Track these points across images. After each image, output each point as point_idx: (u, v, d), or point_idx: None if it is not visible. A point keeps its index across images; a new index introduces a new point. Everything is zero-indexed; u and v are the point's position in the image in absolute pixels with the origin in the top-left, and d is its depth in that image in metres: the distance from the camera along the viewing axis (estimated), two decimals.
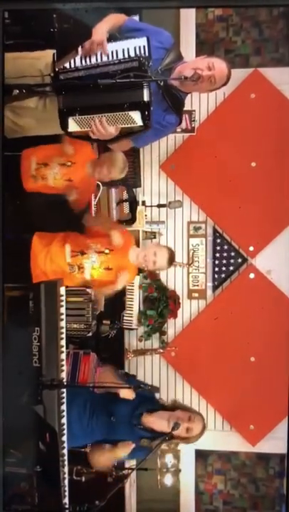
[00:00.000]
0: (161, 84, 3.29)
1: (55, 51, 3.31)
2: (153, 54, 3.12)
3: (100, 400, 3.93)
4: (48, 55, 3.45)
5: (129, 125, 3.20)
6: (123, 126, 3.21)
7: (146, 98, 3.08)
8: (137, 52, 3.09)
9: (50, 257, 3.88)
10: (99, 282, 3.96)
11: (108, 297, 4.59)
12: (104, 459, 3.92)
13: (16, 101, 3.49)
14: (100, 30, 3.18)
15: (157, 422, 3.73)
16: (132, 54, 3.10)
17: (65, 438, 3.71)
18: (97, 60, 3.17)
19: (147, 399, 3.87)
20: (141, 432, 3.77)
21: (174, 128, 3.73)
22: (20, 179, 4.00)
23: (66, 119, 3.29)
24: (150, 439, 3.71)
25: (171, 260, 3.93)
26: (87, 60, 3.19)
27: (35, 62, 3.47)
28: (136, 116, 3.13)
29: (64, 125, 3.32)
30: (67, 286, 3.85)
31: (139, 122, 3.15)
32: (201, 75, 3.23)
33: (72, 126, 3.30)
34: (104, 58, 3.16)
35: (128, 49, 3.12)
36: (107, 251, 3.83)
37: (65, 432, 3.71)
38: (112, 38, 3.26)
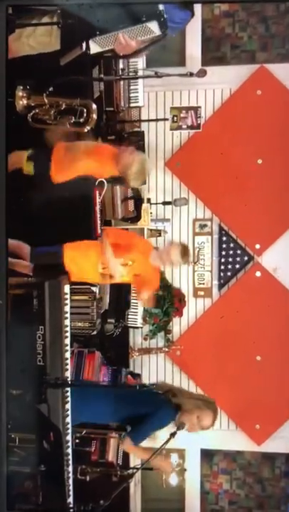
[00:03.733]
0: None
1: None
2: None
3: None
4: None
5: (148, 36, 3.24)
6: (143, 38, 3.25)
7: (161, 7, 3.13)
8: None
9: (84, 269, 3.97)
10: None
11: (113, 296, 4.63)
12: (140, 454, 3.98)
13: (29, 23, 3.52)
14: None
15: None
16: None
17: (69, 437, 3.69)
18: None
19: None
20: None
21: (188, 22, 3.75)
22: None
23: (88, 42, 3.33)
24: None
25: (185, 253, 3.98)
26: None
27: None
28: (154, 26, 3.18)
29: (87, 48, 3.35)
30: None
31: (157, 31, 3.20)
32: None
33: (94, 48, 3.35)
34: None
35: None
36: (130, 263, 3.90)
37: (69, 431, 3.69)
38: None
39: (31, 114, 3.94)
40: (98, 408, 3.90)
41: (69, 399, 3.68)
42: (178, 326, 5.54)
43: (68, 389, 3.70)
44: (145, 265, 3.98)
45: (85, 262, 3.99)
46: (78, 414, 3.80)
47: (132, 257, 3.94)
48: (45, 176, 3.90)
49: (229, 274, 5.50)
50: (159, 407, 3.80)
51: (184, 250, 3.97)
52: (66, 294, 3.74)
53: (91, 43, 3.33)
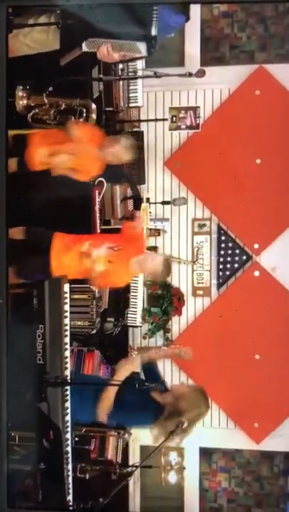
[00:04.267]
0: None
1: None
2: None
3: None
4: None
5: (133, 53, 3.26)
6: (127, 52, 3.27)
7: (154, 32, 3.14)
8: None
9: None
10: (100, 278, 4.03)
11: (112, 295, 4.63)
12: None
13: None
14: None
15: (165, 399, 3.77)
16: None
17: (69, 435, 3.70)
18: None
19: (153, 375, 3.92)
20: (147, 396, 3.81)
21: (182, 25, 3.76)
22: None
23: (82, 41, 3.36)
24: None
25: (166, 268, 3.97)
26: None
27: None
28: (142, 47, 3.20)
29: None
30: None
31: (144, 53, 3.22)
32: None
33: (84, 47, 3.37)
34: None
35: None
36: (116, 248, 3.89)
37: (69, 429, 3.71)
38: None
39: (31, 114, 3.96)
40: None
41: (69, 397, 3.70)
42: (177, 324, 5.55)
43: (68, 387, 3.71)
44: (123, 262, 3.95)
45: (68, 255, 3.96)
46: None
47: (124, 246, 3.92)
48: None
49: (228, 273, 5.51)
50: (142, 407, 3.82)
51: (167, 264, 3.98)
52: (66, 292, 3.76)
53: (84, 43, 3.37)
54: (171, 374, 5.52)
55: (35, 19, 3.69)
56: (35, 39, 3.78)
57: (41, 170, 4.07)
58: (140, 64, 4.62)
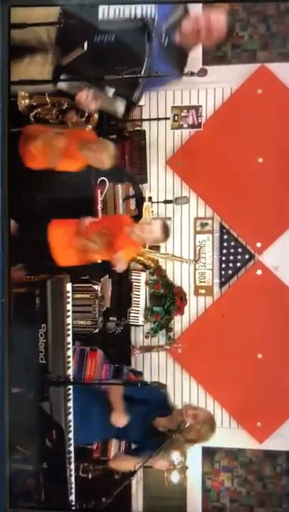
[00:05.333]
0: (166, 42, 3.31)
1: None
2: (159, 10, 3.13)
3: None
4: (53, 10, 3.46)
5: (109, 108, 3.25)
6: (104, 107, 3.25)
7: (135, 97, 3.14)
8: (143, 12, 3.10)
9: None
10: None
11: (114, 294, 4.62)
12: (127, 465, 3.95)
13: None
14: None
15: (168, 423, 3.75)
16: (138, 13, 3.11)
17: (71, 435, 3.71)
18: (103, 15, 3.18)
19: (160, 404, 3.89)
20: (152, 433, 3.79)
21: (175, 79, 3.75)
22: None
23: (61, 72, 3.33)
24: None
25: (165, 230, 3.96)
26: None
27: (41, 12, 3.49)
28: (120, 106, 3.18)
29: (58, 76, 3.36)
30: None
31: (119, 111, 3.21)
32: (199, 26, 3.26)
33: (62, 84, 3.35)
34: (111, 14, 3.17)
35: (135, 7, 3.13)
36: (105, 231, 3.88)
37: (71, 428, 3.71)
38: None
39: (33, 113, 3.95)
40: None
41: (71, 397, 3.70)
42: (179, 324, 5.54)
43: (70, 387, 3.72)
44: (121, 236, 3.94)
45: (63, 239, 3.95)
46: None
47: (108, 226, 3.91)
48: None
49: (230, 272, 5.51)
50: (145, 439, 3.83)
51: (165, 226, 3.96)
52: (68, 292, 3.77)
53: (63, 76, 3.35)
54: (173, 374, 5.52)
55: (30, 57, 3.67)
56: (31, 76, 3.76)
57: (42, 169, 4.08)
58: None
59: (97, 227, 3.95)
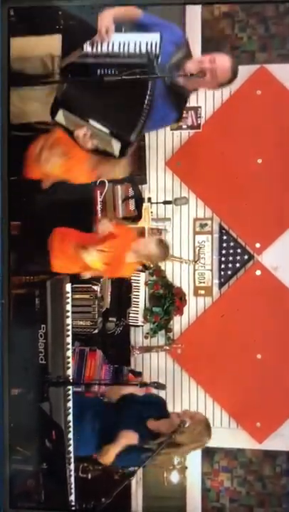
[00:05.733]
0: (168, 82, 3.30)
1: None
2: (163, 48, 3.13)
3: (109, 410, 3.96)
4: (54, 40, 3.45)
5: (105, 148, 3.24)
6: (100, 145, 3.25)
7: (132, 139, 3.13)
8: (148, 48, 3.09)
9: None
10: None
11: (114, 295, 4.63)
12: (110, 453, 3.93)
13: (22, 86, 3.51)
14: (106, 16, 3.18)
15: (163, 424, 3.75)
16: (143, 49, 3.10)
17: (71, 435, 3.72)
18: (108, 48, 3.18)
19: (154, 405, 3.89)
20: (146, 434, 3.79)
21: (174, 123, 3.75)
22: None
23: (57, 108, 3.32)
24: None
25: (162, 245, 3.96)
26: (98, 47, 3.20)
27: (42, 48, 3.48)
28: (116, 146, 3.18)
29: (53, 112, 3.35)
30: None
31: (115, 152, 3.20)
32: (203, 69, 3.24)
33: (60, 117, 3.33)
34: (116, 49, 3.17)
35: (140, 43, 3.12)
36: (106, 249, 3.87)
37: (71, 429, 3.72)
38: (124, 29, 3.27)
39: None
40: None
41: (71, 397, 3.70)
42: (178, 324, 5.56)
43: (70, 387, 3.72)
44: (119, 258, 3.94)
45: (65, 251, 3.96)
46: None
47: (109, 245, 3.91)
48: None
49: (229, 272, 5.52)
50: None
51: (160, 242, 3.96)
52: (68, 292, 3.77)
53: (60, 111, 3.33)
54: (172, 374, 5.53)
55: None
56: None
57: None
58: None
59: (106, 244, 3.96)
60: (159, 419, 3.80)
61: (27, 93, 3.60)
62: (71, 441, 3.73)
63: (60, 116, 3.33)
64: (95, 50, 3.20)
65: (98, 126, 3.19)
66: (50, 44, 3.46)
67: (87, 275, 4.08)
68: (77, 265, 3.95)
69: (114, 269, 3.95)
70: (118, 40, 3.17)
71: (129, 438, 3.76)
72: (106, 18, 3.16)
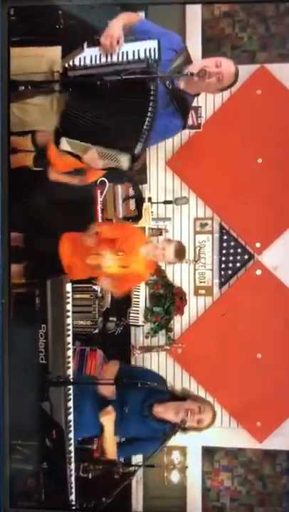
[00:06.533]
0: (170, 87, 3.30)
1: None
2: (162, 55, 3.13)
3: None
4: (54, 52, 3.46)
5: (115, 164, 3.26)
6: (110, 163, 3.27)
7: (137, 152, 3.14)
8: (147, 54, 3.10)
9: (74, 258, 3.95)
10: (118, 278, 4.02)
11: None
12: (108, 446, 3.95)
13: (22, 98, 3.52)
14: (117, 25, 3.19)
15: (168, 412, 3.76)
16: (142, 56, 3.11)
17: (71, 435, 3.72)
18: (107, 59, 3.18)
19: (157, 388, 3.88)
20: (152, 423, 3.79)
21: (179, 131, 3.75)
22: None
23: (60, 137, 3.34)
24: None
25: (179, 253, 3.95)
26: (97, 59, 3.21)
27: (42, 60, 3.48)
28: (124, 161, 3.19)
29: (57, 142, 3.37)
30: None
31: (124, 167, 3.22)
32: (207, 71, 3.24)
33: (64, 145, 3.36)
34: (114, 58, 3.18)
35: (138, 50, 3.13)
36: (120, 253, 3.88)
37: (71, 428, 3.72)
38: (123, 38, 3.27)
39: None
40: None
41: (71, 397, 3.71)
42: (179, 324, 5.56)
43: (71, 387, 3.72)
44: (136, 257, 3.94)
45: (75, 254, 3.97)
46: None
47: (123, 248, 3.91)
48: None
49: (230, 272, 5.52)
50: (149, 436, 3.83)
51: (180, 249, 3.96)
52: (68, 292, 3.77)
53: (64, 139, 3.35)
54: (173, 373, 5.53)
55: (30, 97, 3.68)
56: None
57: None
58: None
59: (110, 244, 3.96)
60: (162, 403, 3.81)
61: (27, 107, 3.63)
62: (72, 441, 3.73)
63: (65, 144, 3.36)
64: (94, 62, 3.21)
65: (103, 149, 3.22)
66: (51, 55, 3.48)
67: (105, 283, 4.10)
68: (91, 270, 3.97)
69: (133, 270, 3.96)
70: (117, 50, 3.19)
71: (108, 414, 3.80)
72: (116, 29, 3.17)
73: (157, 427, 3.78)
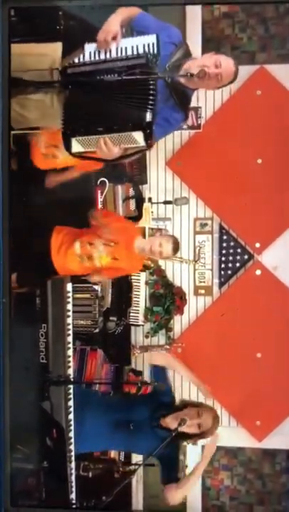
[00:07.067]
0: (169, 81, 3.31)
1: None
2: (162, 50, 3.14)
3: (117, 407, 3.97)
4: (55, 49, 3.46)
5: (132, 145, 3.23)
6: (126, 146, 3.24)
7: (148, 119, 3.12)
8: (146, 50, 3.11)
9: (64, 250, 3.93)
10: (107, 270, 4.02)
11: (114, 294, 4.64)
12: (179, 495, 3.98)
13: (23, 94, 3.52)
14: (114, 21, 3.19)
15: (171, 423, 3.78)
16: (141, 51, 3.12)
17: (72, 434, 3.73)
18: (105, 55, 3.19)
19: (165, 401, 3.92)
20: (161, 432, 3.81)
21: (180, 124, 3.75)
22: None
23: (70, 140, 3.32)
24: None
25: (176, 248, 3.97)
26: (96, 55, 3.21)
27: (42, 58, 3.49)
28: (138, 137, 3.17)
29: (68, 146, 3.35)
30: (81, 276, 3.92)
31: (141, 143, 3.19)
32: (207, 72, 3.25)
33: (76, 147, 3.33)
34: (113, 54, 3.18)
35: (137, 46, 3.14)
36: (112, 244, 3.87)
37: (72, 427, 3.73)
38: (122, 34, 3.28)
39: None
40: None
41: (72, 396, 3.72)
42: (179, 323, 5.56)
43: (71, 386, 3.74)
44: (127, 251, 3.94)
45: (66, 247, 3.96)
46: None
47: (116, 239, 3.90)
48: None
49: (229, 272, 5.52)
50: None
51: (176, 244, 3.97)
52: (68, 292, 3.79)
53: (73, 141, 3.32)
54: (173, 373, 5.53)
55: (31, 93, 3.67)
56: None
57: (43, 169, 4.09)
58: None
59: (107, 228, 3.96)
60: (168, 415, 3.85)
61: (28, 103, 3.62)
62: (72, 440, 3.74)
63: (76, 145, 3.34)
64: (92, 58, 3.22)
65: (114, 134, 3.20)
66: (51, 53, 3.48)
67: (96, 278, 4.09)
68: (80, 264, 3.95)
69: (125, 263, 3.95)
70: (115, 46, 3.19)
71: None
72: (114, 25, 3.18)
73: (165, 436, 3.81)
